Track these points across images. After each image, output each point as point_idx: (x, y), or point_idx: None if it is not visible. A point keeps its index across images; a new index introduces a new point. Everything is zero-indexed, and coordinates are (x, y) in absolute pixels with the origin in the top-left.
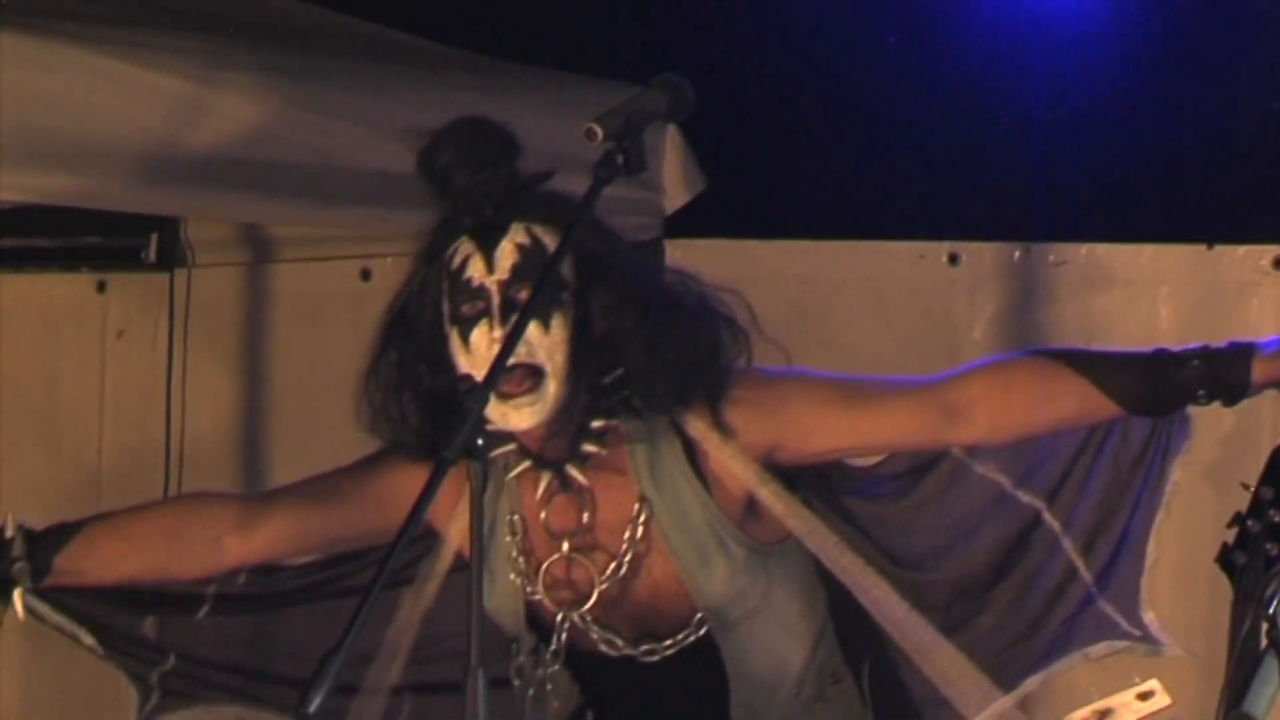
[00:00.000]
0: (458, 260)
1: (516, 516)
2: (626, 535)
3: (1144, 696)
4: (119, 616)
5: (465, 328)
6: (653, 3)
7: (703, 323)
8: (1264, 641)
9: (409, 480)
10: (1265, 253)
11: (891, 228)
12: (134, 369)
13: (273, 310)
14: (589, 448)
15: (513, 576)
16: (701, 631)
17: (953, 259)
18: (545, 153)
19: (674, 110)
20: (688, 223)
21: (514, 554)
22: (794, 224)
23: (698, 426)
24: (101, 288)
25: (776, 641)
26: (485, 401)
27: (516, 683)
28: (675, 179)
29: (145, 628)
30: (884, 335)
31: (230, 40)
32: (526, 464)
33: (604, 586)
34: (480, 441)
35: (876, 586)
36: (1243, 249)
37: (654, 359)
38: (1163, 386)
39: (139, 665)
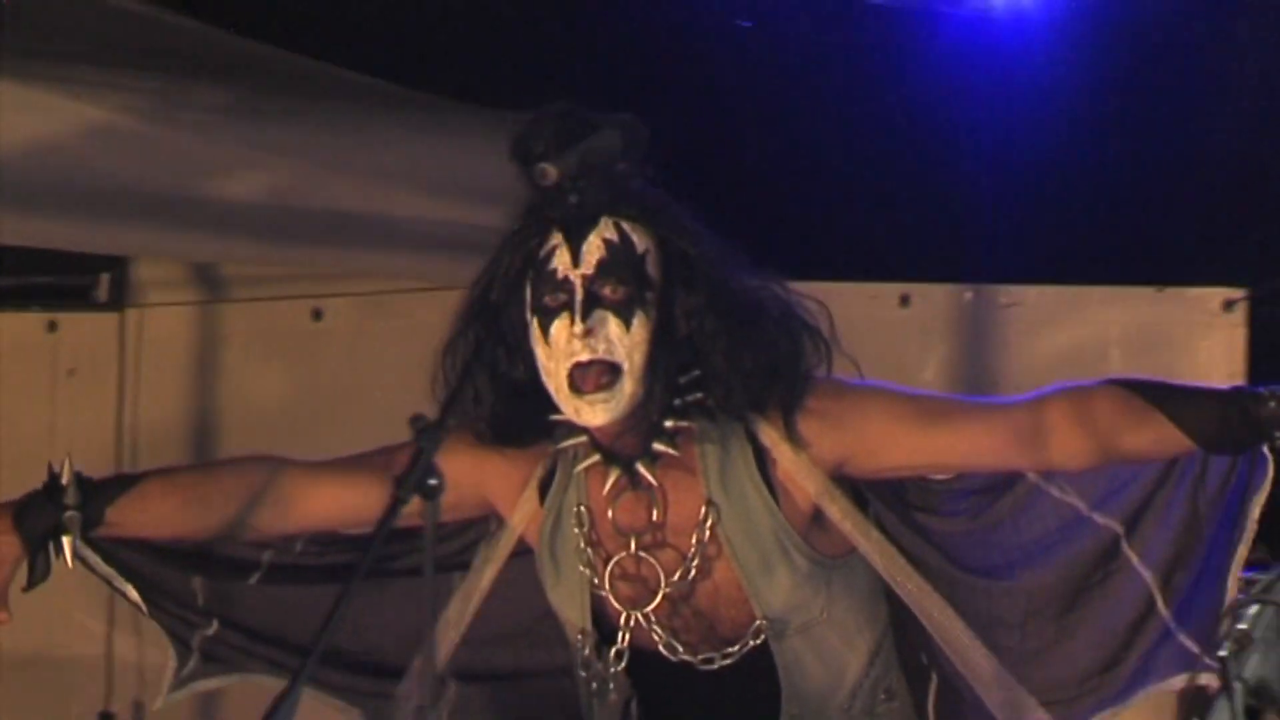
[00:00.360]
0: (544, 250)
1: (584, 508)
2: (694, 538)
3: None
4: (168, 575)
5: (546, 319)
6: (543, 34)
7: (785, 329)
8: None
9: (475, 463)
10: (1215, 295)
11: (845, 269)
12: (85, 408)
13: (224, 350)
14: (660, 447)
15: (581, 568)
16: (759, 640)
17: (904, 300)
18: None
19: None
20: None
21: (581, 545)
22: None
23: (770, 434)
24: (52, 327)
25: (833, 654)
26: (438, 442)
27: (582, 674)
28: None
29: (194, 590)
30: (837, 373)
31: (183, 79)
32: (595, 458)
33: (669, 589)
34: (433, 482)
35: (941, 611)
36: (1193, 291)
37: (733, 363)
38: (1239, 424)
39: (182, 627)
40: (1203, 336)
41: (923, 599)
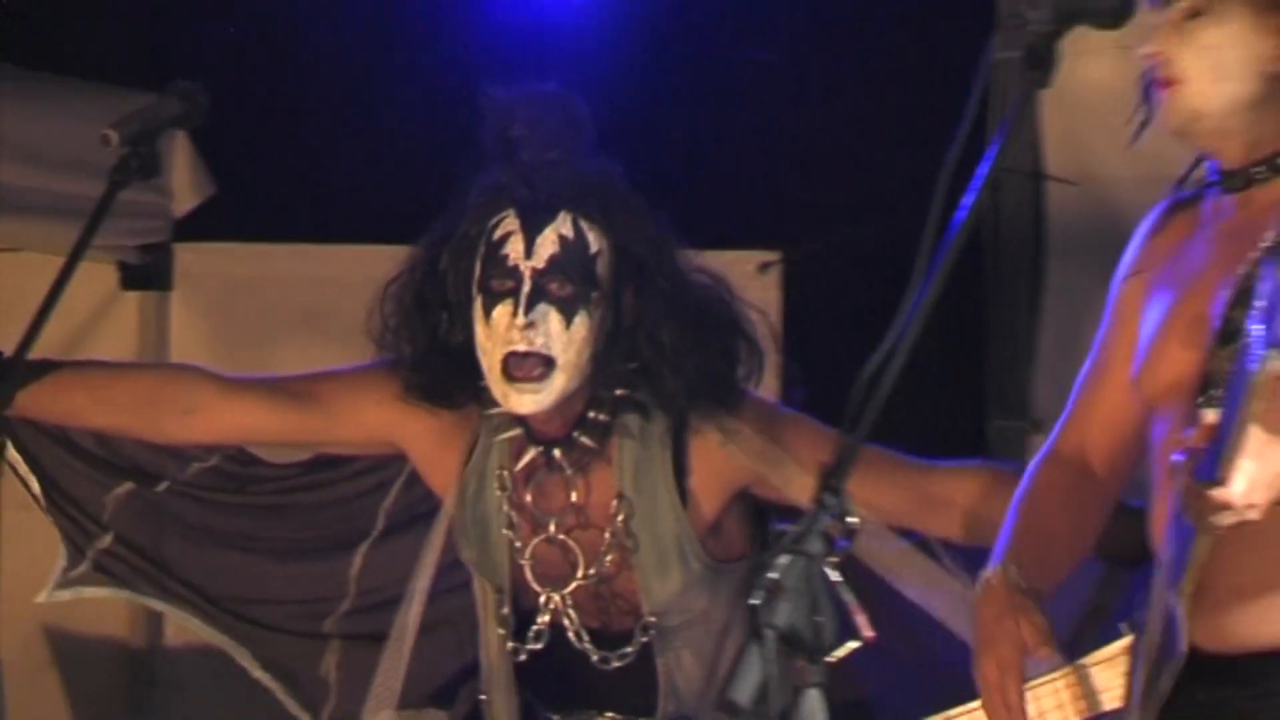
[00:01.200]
0: (500, 232)
1: (505, 473)
2: (608, 530)
3: None
4: (83, 482)
5: (490, 300)
6: (168, 14)
7: (728, 337)
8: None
9: (396, 412)
10: (751, 259)
11: (393, 233)
12: None
13: None
14: (582, 437)
15: (505, 531)
16: (646, 638)
17: None
18: (62, 158)
19: (187, 116)
20: (200, 226)
21: (504, 507)
22: (305, 228)
23: (693, 442)
24: None
25: (707, 653)
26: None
27: (500, 631)
28: (184, 184)
29: (104, 503)
30: None
31: None
32: (518, 431)
33: (583, 578)
34: None
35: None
36: (729, 254)
37: (674, 366)
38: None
39: (76, 532)
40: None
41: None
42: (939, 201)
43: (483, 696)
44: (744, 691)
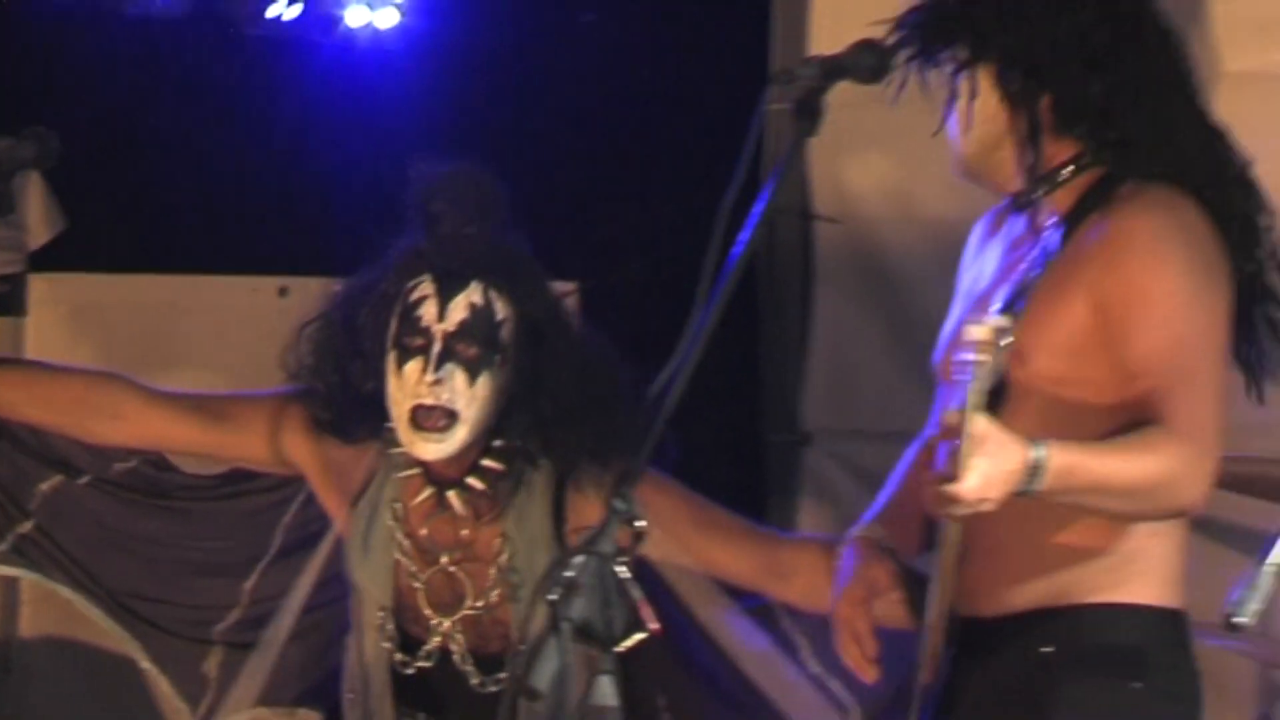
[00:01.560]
0: (416, 295)
1: (400, 505)
2: (493, 567)
3: None
4: (7, 466)
5: (403, 356)
6: (20, 61)
7: (615, 399)
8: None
9: (294, 435)
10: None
11: (230, 263)
12: None
13: None
14: (474, 482)
15: (399, 557)
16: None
17: (282, 291)
18: None
19: (40, 158)
20: (53, 257)
21: (398, 536)
22: (148, 259)
23: (571, 494)
24: None
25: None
26: None
27: (386, 645)
28: (38, 219)
29: (32, 493)
30: (225, 358)
31: None
32: (417, 471)
33: (469, 607)
34: None
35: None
36: None
37: (564, 420)
38: None
39: (1, 515)
40: None
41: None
42: (719, 237)
43: (349, 695)
44: (543, 678)
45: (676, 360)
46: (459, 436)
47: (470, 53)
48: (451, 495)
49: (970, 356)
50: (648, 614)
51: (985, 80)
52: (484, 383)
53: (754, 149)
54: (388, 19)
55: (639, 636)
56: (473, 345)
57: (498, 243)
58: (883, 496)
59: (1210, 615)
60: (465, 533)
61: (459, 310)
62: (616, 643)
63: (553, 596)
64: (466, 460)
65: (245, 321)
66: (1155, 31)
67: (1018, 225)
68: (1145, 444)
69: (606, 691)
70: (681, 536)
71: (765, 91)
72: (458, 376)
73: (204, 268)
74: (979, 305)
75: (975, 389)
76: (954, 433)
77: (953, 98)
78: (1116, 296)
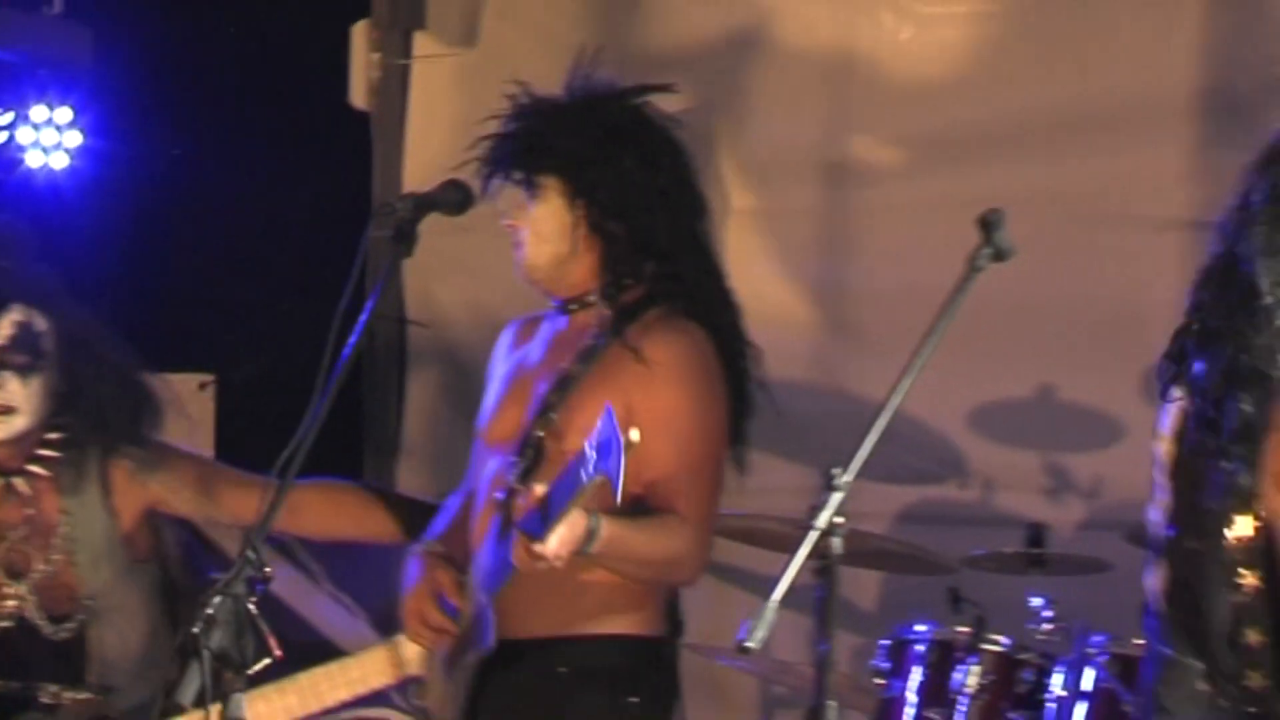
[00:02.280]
0: None
1: None
2: (55, 537)
3: None
4: None
5: None
6: None
7: (136, 392)
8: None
9: None
10: (192, 379)
11: None
12: None
13: None
14: (34, 467)
15: None
16: (83, 616)
17: None
18: None
19: None
20: None
21: None
22: None
23: (114, 470)
24: None
25: (121, 630)
26: None
27: None
28: None
29: None
30: None
31: None
32: None
33: (37, 574)
34: None
35: None
36: (176, 375)
37: (97, 410)
38: None
39: None
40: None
41: None
42: (333, 338)
43: None
44: (188, 695)
45: (297, 438)
46: (17, 425)
47: (134, 182)
48: (17, 481)
49: (590, 469)
50: (273, 643)
51: (559, 201)
52: (34, 381)
53: (360, 267)
54: (60, 161)
55: (266, 661)
56: (21, 354)
57: (31, 273)
58: (439, 524)
59: (723, 640)
60: (30, 511)
61: (5, 329)
62: (248, 666)
63: (195, 629)
64: (24, 451)
65: None
66: (690, 175)
67: (560, 325)
68: (665, 527)
69: (239, 704)
70: (208, 489)
71: (369, 221)
72: (13, 381)
73: None
74: (522, 389)
75: (584, 491)
76: (540, 503)
77: (522, 214)
78: (644, 407)
